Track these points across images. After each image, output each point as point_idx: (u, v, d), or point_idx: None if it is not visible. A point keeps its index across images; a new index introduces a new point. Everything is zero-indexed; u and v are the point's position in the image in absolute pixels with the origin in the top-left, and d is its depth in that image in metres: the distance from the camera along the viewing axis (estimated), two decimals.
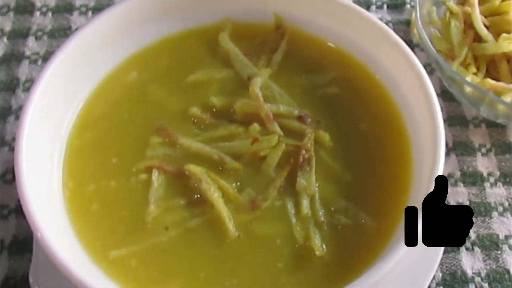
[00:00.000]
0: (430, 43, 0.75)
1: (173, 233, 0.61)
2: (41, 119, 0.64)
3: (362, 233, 0.62)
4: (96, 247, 0.61)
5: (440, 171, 0.59)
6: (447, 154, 0.80)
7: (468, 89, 0.74)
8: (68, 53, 0.67)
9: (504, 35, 0.76)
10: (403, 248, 0.56)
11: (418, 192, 0.61)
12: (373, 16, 0.69)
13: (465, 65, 0.78)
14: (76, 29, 0.85)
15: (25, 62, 0.87)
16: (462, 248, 0.74)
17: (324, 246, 0.60)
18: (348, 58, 0.72)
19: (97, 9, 0.92)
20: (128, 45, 0.72)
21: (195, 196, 0.63)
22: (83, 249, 0.61)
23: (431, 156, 0.61)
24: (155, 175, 0.64)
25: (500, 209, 0.77)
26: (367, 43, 0.70)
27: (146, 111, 0.69)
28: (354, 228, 0.62)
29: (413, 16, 0.85)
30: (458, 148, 0.81)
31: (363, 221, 0.62)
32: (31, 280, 0.68)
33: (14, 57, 0.88)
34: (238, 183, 0.64)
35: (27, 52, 0.88)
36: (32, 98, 0.63)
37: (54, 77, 0.66)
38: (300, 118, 0.68)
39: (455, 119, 0.83)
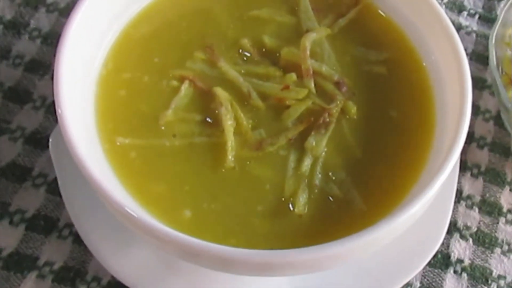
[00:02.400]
0: (495, 62, 0.69)
1: (178, 142, 0.61)
2: (96, 12, 0.64)
3: (348, 210, 0.59)
4: (108, 128, 0.61)
5: (439, 183, 0.55)
6: (476, 176, 0.76)
7: None
8: None
9: None
10: (380, 232, 0.52)
11: (416, 194, 0.57)
12: (443, 12, 0.64)
13: None
14: None
15: None
16: (451, 270, 0.70)
17: (306, 208, 0.58)
18: (407, 45, 0.67)
19: None
20: None
21: (211, 118, 0.62)
22: (96, 126, 0.61)
23: (440, 165, 0.56)
24: (185, 85, 0.63)
25: (505, 247, 0.72)
26: (428, 34, 0.65)
27: (203, 28, 0.68)
28: (341, 202, 0.59)
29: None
30: (489, 174, 0.76)
31: (353, 199, 0.59)
32: (50, 140, 0.70)
33: None
34: (255, 121, 0.62)
35: None
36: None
37: None
38: (337, 84, 0.64)
39: (498, 146, 0.78)
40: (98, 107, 0.63)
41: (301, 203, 0.58)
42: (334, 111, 0.62)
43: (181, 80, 0.64)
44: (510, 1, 0.74)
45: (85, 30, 0.62)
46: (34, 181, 0.72)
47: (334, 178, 0.60)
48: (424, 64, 0.66)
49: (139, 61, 0.66)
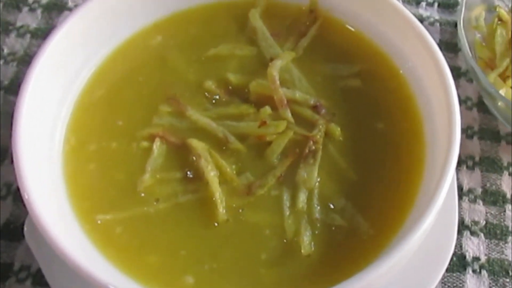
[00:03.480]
0: (468, 49, 0.68)
1: (163, 206, 0.57)
2: (55, 67, 0.61)
3: (356, 237, 0.56)
4: (84, 207, 0.58)
5: (445, 190, 0.53)
6: (472, 168, 0.73)
7: (500, 103, 0.67)
8: (94, 8, 0.64)
9: None
10: (395, 258, 0.50)
11: (423, 204, 0.55)
12: (411, 14, 0.62)
13: (503, 77, 0.70)
14: None
15: (66, 13, 0.84)
16: (469, 270, 0.67)
17: (312, 245, 0.55)
18: (377, 52, 0.66)
19: None
20: (157, 9, 0.68)
21: (192, 172, 0.59)
22: (71, 209, 0.58)
23: (440, 167, 0.54)
24: (156, 144, 0.60)
25: None
26: (398, 38, 0.64)
27: (162, 78, 0.65)
28: (348, 231, 0.57)
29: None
30: (485, 163, 0.74)
31: (359, 225, 0.56)
32: (25, 229, 0.66)
33: (57, 7, 0.85)
34: (238, 165, 0.59)
35: (70, 3, 0.85)
36: (47, 46, 0.60)
37: (76, 30, 0.63)
38: (315, 108, 0.62)
39: (487, 133, 0.76)
40: (69, 187, 0.59)
41: (306, 243, 0.55)
42: (318, 137, 0.60)
43: (151, 139, 0.61)
44: None
45: (37, 108, 0.59)
46: (17, 276, 0.67)
47: (334, 207, 0.58)
48: (401, 71, 0.64)
49: (102, 129, 0.62)
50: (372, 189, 0.59)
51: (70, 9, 0.85)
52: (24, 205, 0.67)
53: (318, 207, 0.58)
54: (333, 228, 0.57)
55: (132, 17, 0.67)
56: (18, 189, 0.69)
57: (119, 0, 0.66)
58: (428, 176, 0.58)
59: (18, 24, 0.84)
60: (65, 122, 0.62)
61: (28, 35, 0.83)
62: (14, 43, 0.83)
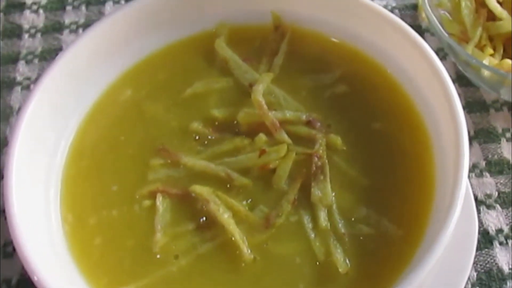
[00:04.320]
0: (440, 27, 0.68)
1: (184, 261, 0.56)
2: (32, 152, 0.59)
3: (387, 242, 0.56)
4: (103, 284, 0.55)
5: (466, 170, 0.53)
6: (469, 143, 0.74)
7: (486, 72, 0.68)
8: (54, 79, 0.61)
9: None
10: (435, 255, 0.50)
11: (444, 194, 0.55)
12: (375, 4, 0.63)
13: (480, 47, 0.71)
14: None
15: (17, 89, 0.82)
16: (496, 243, 0.68)
17: (347, 261, 0.54)
18: (355, 53, 0.66)
19: (88, 26, 0.83)
20: (119, 62, 0.67)
21: (204, 219, 0.58)
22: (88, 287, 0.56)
23: (453, 153, 0.55)
24: (159, 200, 0.59)
25: None
26: (373, 34, 0.64)
27: (144, 131, 0.64)
28: (377, 237, 0.56)
29: None
30: (480, 135, 0.75)
31: (386, 229, 0.56)
32: None
33: (6, 84, 0.82)
34: (249, 200, 0.58)
35: (18, 78, 0.83)
36: (18, 130, 0.58)
37: (41, 105, 0.60)
38: (308, 123, 0.62)
39: (474, 105, 0.77)
40: (81, 266, 0.57)
41: (341, 260, 0.55)
42: (321, 151, 0.60)
43: (152, 196, 0.59)
44: None
45: (26, 196, 0.56)
46: None
47: (357, 217, 0.57)
48: (388, 70, 0.64)
49: (97, 199, 0.60)
50: (389, 190, 0.59)
51: (20, 84, 0.82)
52: None
53: (342, 221, 0.57)
54: (362, 238, 0.56)
55: (96, 78, 0.65)
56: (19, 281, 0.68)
57: (77, 65, 0.63)
58: (441, 163, 0.58)
59: None
60: (57, 202, 0.60)
61: None
62: None
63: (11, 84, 0.83)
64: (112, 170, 0.62)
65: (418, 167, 0.59)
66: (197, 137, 0.62)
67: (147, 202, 0.59)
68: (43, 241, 0.56)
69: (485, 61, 0.69)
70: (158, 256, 0.56)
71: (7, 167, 0.56)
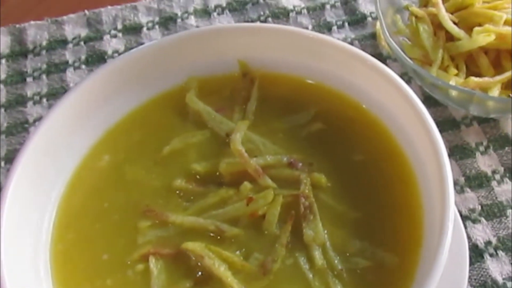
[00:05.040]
0: (402, 53, 0.71)
1: None
2: (17, 232, 0.59)
3: (384, 271, 0.57)
4: None
5: (451, 191, 0.55)
6: None
7: (453, 92, 0.70)
8: (30, 154, 0.61)
9: (476, 28, 0.73)
10: (435, 279, 0.51)
11: (433, 216, 0.56)
12: (336, 40, 0.65)
13: (444, 68, 0.74)
14: (33, 123, 0.82)
15: None
16: (486, 256, 0.70)
17: None
18: (326, 91, 0.68)
19: (51, 94, 0.87)
20: (92, 129, 0.67)
21: (200, 274, 0.58)
22: None
23: (437, 175, 0.57)
24: (152, 262, 0.59)
25: None
26: (340, 69, 0.66)
27: (127, 195, 0.64)
28: (374, 268, 0.57)
29: (377, 28, 0.81)
30: (456, 152, 0.77)
31: (382, 258, 0.57)
32: None
33: None
34: (243, 250, 0.59)
35: None
36: (1, 214, 0.57)
37: (21, 183, 0.60)
38: (290, 165, 0.63)
39: (445, 124, 0.80)
40: None
41: None
42: (307, 191, 0.61)
43: (145, 259, 0.59)
44: None
45: (16, 274, 0.55)
46: None
47: (352, 251, 0.58)
48: (361, 103, 0.66)
49: (88, 270, 0.60)
50: (379, 220, 0.60)
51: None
52: None
53: (337, 258, 0.58)
54: (359, 271, 0.57)
55: (72, 148, 0.66)
56: None
57: (53, 138, 0.63)
58: (426, 187, 0.60)
59: None
60: (48, 280, 0.59)
61: None
62: None
63: None
64: (100, 239, 0.62)
65: (404, 194, 0.61)
66: (181, 194, 0.63)
67: (140, 266, 0.59)
68: None
69: (452, 82, 0.71)
70: None
71: None
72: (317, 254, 0.58)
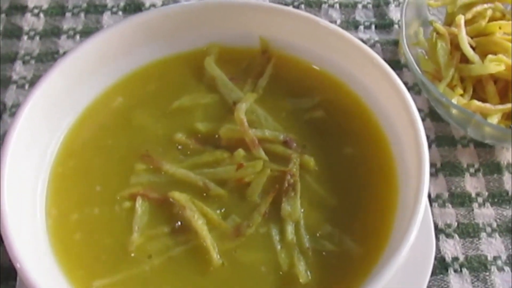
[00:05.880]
0: (415, 64, 0.74)
1: (157, 261, 0.60)
2: (25, 147, 0.63)
3: (347, 259, 0.60)
4: (79, 276, 0.59)
5: (424, 197, 0.58)
6: (435, 174, 0.79)
7: (454, 110, 0.73)
8: (52, 81, 0.66)
9: (490, 56, 0.75)
10: (389, 273, 0.54)
11: (403, 218, 0.60)
12: (356, 39, 0.68)
13: (451, 86, 0.76)
14: (63, 54, 0.85)
15: (12, 87, 0.86)
16: (451, 270, 0.73)
17: (308, 273, 0.59)
18: (334, 82, 0.70)
19: (85, 33, 0.92)
20: (113, 71, 0.71)
21: (179, 223, 0.62)
22: (65, 279, 0.59)
23: (415, 181, 0.60)
24: (139, 202, 0.63)
25: (488, 229, 0.76)
26: (352, 66, 0.69)
27: (131, 138, 0.68)
28: (339, 254, 0.61)
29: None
30: (447, 168, 0.80)
31: (348, 247, 0.61)
32: None
33: (1, 82, 0.87)
34: (223, 210, 0.63)
35: (14, 77, 0.87)
36: (15, 126, 0.62)
37: (38, 105, 0.65)
38: (285, 143, 0.66)
39: (443, 139, 0.82)
40: (60, 258, 0.61)
41: (302, 272, 0.59)
42: (294, 170, 0.64)
43: (133, 198, 0.63)
44: (406, 2, 0.79)
45: (15, 189, 0.60)
46: None
47: (321, 234, 0.62)
48: (362, 99, 0.69)
49: (81, 197, 0.64)
50: (353, 211, 0.63)
51: (15, 82, 0.87)
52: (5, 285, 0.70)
53: (307, 237, 0.61)
54: (325, 254, 0.61)
55: (91, 84, 0.70)
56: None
57: (74, 71, 0.68)
58: (403, 190, 0.63)
59: None
60: (43, 196, 0.64)
61: None
62: None
63: (7, 82, 0.87)
64: (98, 171, 0.66)
65: (383, 192, 0.64)
66: (180, 147, 0.67)
67: (127, 204, 0.63)
68: (27, 232, 0.60)
69: (454, 100, 0.74)
70: (132, 254, 0.60)
71: (1, 160, 0.60)
72: (289, 229, 0.61)
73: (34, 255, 0.58)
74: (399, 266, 0.56)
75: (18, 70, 0.88)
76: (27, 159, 0.64)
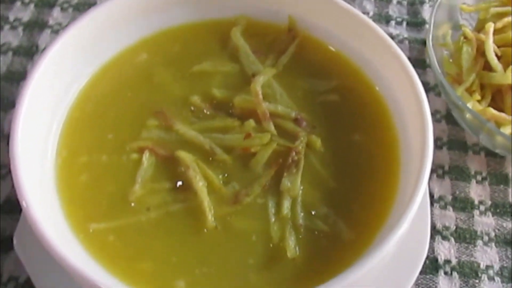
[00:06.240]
0: (437, 65, 0.73)
1: (154, 214, 0.61)
2: (46, 86, 0.65)
3: (337, 241, 0.61)
4: (78, 216, 0.61)
5: (420, 194, 0.58)
6: (442, 176, 0.79)
7: (468, 115, 0.72)
8: (82, 27, 0.68)
9: None
10: (374, 260, 0.55)
11: (398, 210, 0.60)
12: (380, 29, 0.68)
13: (470, 91, 0.76)
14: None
15: (47, 31, 0.88)
16: (441, 272, 0.73)
17: (297, 249, 0.60)
18: (353, 69, 0.71)
19: None
20: (143, 27, 0.73)
21: (181, 183, 0.63)
22: (65, 218, 0.61)
23: (415, 177, 0.60)
24: (146, 156, 0.64)
25: (486, 238, 0.75)
26: (373, 55, 0.69)
27: (149, 94, 0.69)
28: (330, 236, 0.61)
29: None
30: (454, 172, 0.80)
31: (340, 230, 0.61)
32: (15, 241, 0.68)
33: (38, 25, 0.89)
34: (225, 175, 0.64)
35: (51, 22, 0.89)
36: (40, 65, 0.64)
37: (66, 47, 0.66)
38: (296, 121, 0.67)
39: (455, 143, 0.82)
40: (63, 197, 0.63)
41: (291, 247, 0.60)
42: (300, 148, 0.65)
43: (141, 151, 0.65)
44: (438, 3, 0.79)
45: (31, 125, 0.62)
46: (6, 287, 0.70)
47: (316, 214, 0.62)
48: (376, 87, 0.69)
49: (92, 142, 0.66)
50: (352, 197, 0.64)
51: (51, 27, 0.89)
52: (11, 218, 0.72)
53: (302, 214, 0.62)
54: (316, 233, 0.61)
55: (118, 36, 0.71)
56: (5, 202, 0.74)
57: (105, 20, 0.69)
58: (403, 184, 0.63)
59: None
60: (56, 136, 0.66)
61: (10, 53, 0.87)
62: None
63: (43, 26, 0.89)
64: (112, 121, 0.68)
65: (383, 182, 0.64)
66: (193, 110, 0.68)
67: (134, 156, 0.65)
68: (35, 167, 0.62)
69: (469, 105, 0.74)
70: (132, 204, 0.62)
71: (22, 94, 0.62)
72: (286, 204, 0.62)
73: (39, 191, 0.60)
74: (386, 257, 0.57)
75: (56, 16, 0.90)
76: (47, 97, 0.65)
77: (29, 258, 0.68)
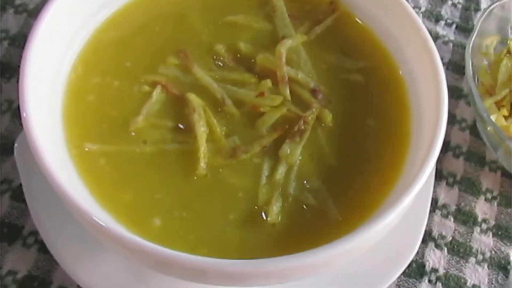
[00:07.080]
0: (471, 72, 0.70)
1: (149, 149, 0.60)
2: (79, 2, 0.64)
3: (322, 219, 0.58)
4: (76, 133, 0.60)
5: (414, 193, 0.55)
6: (451, 185, 0.76)
7: (490, 128, 0.68)
8: None
9: None
10: (354, 243, 0.52)
11: (390, 204, 0.57)
12: (419, 20, 0.64)
13: (499, 105, 0.72)
14: None
15: None
16: (425, 279, 0.70)
17: (279, 216, 0.57)
18: (382, 52, 0.67)
19: None
20: None
21: (183, 124, 0.61)
22: (63, 131, 0.60)
23: (415, 175, 0.57)
24: (157, 91, 0.63)
25: (480, 257, 0.72)
26: (405, 42, 0.66)
27: (176, 32, 0.68)
28: (317, 211, 0.58)
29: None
30: (464, 183, 0.76)
31: (328, 209, 0.58)
32: (16, 145, 0.69)
33: None
34: (229, 127, 0.62)
35: None
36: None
37: None
38: (313, 92, 0.64)
39: (474, 156, 0.78)
40: (66, 112, 0.61)
41: (274, 212, 0.57)
42: (310, 118, 0.62)
43: (153, 85, 0.63)
44: (487, 12, 0.74)
45: (54, 33, 0.61)
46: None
47: (309, 186, 0.60)
48: (400, 73, 0.66)
49: (109, 66, 0.65)
50: (349, 179, 0.61)
51: None
52: (20, 124, 0.72)
53: (294, 184, 0.59)
54: (303, 206, 0.59)
55: None
56: (18, 107, 0.74)
57: None
58: (404, 177, 0.59)
59: None
60: (76, 52, 0.65)
61: None
62: None
63: None
64: (133, 50, 0.66)
65: (383, 175, 0.61)
66: (215, 57, 0.66)
67: (146, 88, 0.63)
68: (46, 78, 0.60)
69: (493, 117, 0.70)
70: (132, 134, 0.60)
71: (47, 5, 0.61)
72: (281, 170, 0.60)
73: (44, 100, 0.59)
74: (367, 243, 0.55)
75: None
76: (76, 13, 0.64)
77: (24, 164, 0.68)
